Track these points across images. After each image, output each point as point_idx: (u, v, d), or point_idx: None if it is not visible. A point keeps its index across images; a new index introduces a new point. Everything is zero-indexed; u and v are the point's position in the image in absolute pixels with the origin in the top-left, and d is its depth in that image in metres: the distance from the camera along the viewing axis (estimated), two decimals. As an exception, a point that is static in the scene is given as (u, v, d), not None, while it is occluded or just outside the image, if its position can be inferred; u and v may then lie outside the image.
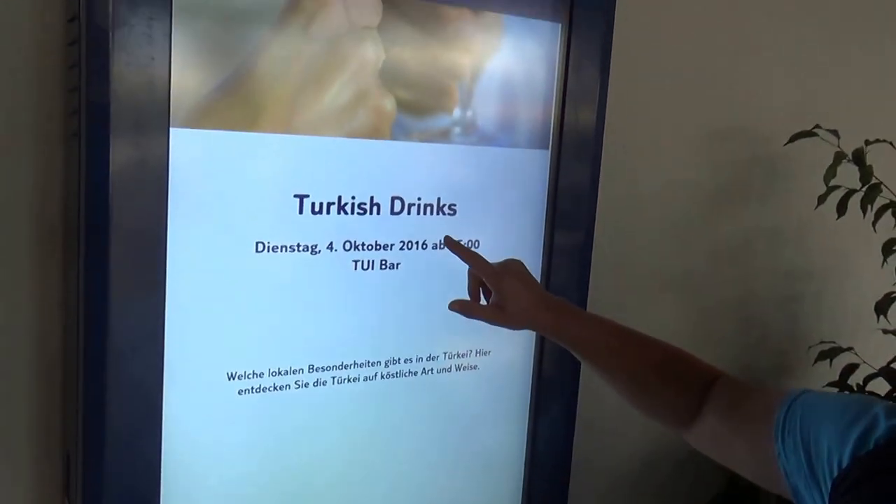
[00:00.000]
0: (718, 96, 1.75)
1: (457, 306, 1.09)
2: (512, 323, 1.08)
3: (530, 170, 1.32)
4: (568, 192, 1.34)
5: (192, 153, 1.02)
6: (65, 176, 1.11)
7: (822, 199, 1.67)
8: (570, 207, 1.35)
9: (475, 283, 1.12)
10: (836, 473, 0.79)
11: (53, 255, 1.13)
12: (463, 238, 1.23)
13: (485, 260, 1.10)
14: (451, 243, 1.10)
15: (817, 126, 1.66)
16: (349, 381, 1.20)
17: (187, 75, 0.99)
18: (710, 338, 1.85)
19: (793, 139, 1.67)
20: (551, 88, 1.29)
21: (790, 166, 1.85)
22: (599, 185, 1.39)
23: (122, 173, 0.96)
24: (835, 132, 1.65)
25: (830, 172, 1.66)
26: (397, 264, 1.21)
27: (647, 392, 1.06)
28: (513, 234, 1.32)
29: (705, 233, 1.82)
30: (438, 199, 1.23)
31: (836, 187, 1.66)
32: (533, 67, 1.27)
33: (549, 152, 1.32)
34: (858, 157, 1.65)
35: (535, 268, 1.33)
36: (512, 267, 1.10)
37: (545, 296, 1.09)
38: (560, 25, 1.28)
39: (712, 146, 1.78)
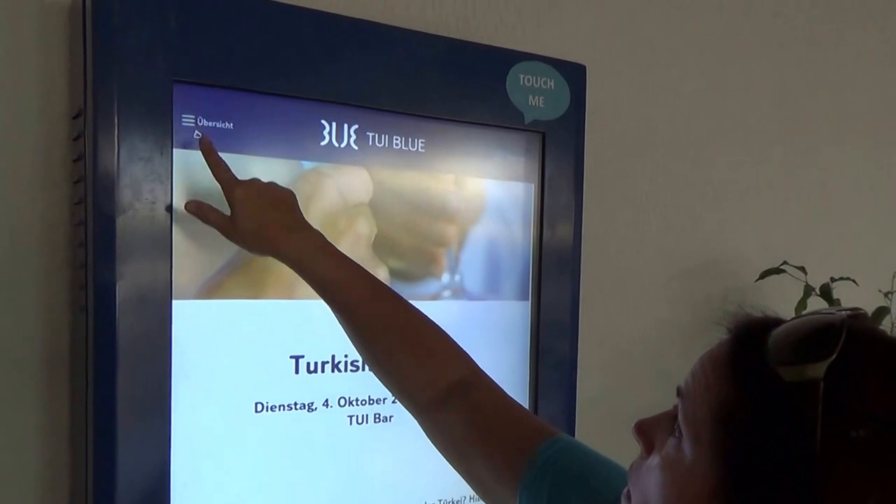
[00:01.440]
0: (689, 236, 1.85)
1: (192, 206, 1.03)
2: (247, 243, 1.01)
3: (514, 319, 1.39)
4: (550, 341, 1.41)
5: (195, 322, 1.09)
6: (71, 343, 1.17)
7: (792, 336, 1.75)
8: (554, 351, 1.42)
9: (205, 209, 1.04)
10: None
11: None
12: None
13: (226, 169, 1.02)
14: (205, 144, 1.03)
15: (785, 263, 1.76)
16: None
17: (189, 264, 1.08)
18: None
19: (763, 276, 1.76)
20: (528, 244, 1.38)
21: (762, 300, 1.92)
22: (579, 327, 1.46)
23: (128, 347, 1.03)
24: (802, 269, 1.75)
25: (801, 305, 1.75)
26: (390, 417, 1.26)
27: (391, 357, 0.97)
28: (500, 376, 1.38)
29: (683, 368, 1.88)
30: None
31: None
32: (511, 227, 1.37)
33: (529, 303, 1.40)
34: (826, 293, 1.75)
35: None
36: (255, 183, 1.02)
37: (291, 219, 1.01)
38: (532, 185, 1.38)
39: (685, 284, 1.86)
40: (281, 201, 1.02)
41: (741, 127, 1.91)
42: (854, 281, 1.75)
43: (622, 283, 1.74)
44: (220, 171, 1.02)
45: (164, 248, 1.05)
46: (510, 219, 1.37)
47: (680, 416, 0.63)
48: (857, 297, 1.75)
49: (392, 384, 0.96)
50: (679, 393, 0.65)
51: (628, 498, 0.68)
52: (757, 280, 1.76)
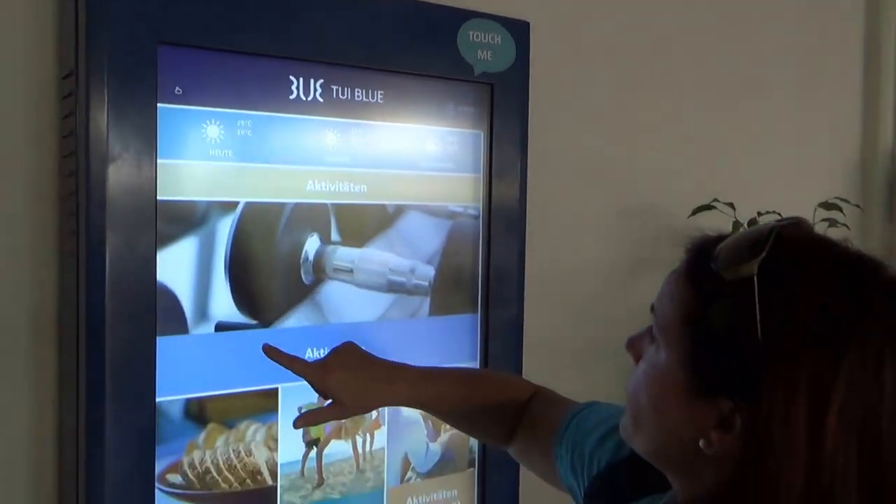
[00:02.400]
0: (625, 178, 1.98)
1: (300, 422, 1.05)
2: (360, 411, 1.08)
3: (465, 264, 1.51)
4: (498, 273, 1.53)
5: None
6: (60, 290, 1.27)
7: (721, 265, 1.91)
8: (501, 287, 1.54)
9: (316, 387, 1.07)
10: (594, 473, 0.96)
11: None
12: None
13: (305, 364, 1.04)
14: (269, 352, 1.04)
15: (715, 200, 1.90)
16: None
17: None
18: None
19: (694, 212, 1.90)
20: (478, 189, 1.51)
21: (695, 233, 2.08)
22: (525, 265, 1.59)
23: (117, 286, 1.13)
24: (731, 205, 1.90)
25: (728, 242, 1.90)
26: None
27: (478, 427, 1.17)
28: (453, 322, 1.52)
29: (623, 304, 2.02)
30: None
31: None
32: (462, 172, 1.49)
33: (480, 250, 1.52)
34: (752, 225, 1.90)
35: (472, 342, 1.53)
36: (333, 360, 1.05)
37: (375, 371, 1.07)
38: (482, 133, 1.50)
39: (624, 223, 2.00)
40: (354, 365, 1.05)
41: (674, 77, 2.04)
42: (779, 214, 1.89)
43: (565, 225, 1.87)
44: (299, 366, 1.03)
45: (150, 196, 1.15)
46: (462, 164, 1.48)
47: (654, 327, 0.75)
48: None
49: (483, 439, 1.23)
50: (652, 309, 0.76)
51: (628, 408, 0.80)
52: (689, 217, 1.90)
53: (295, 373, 1.03)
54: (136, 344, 1.15)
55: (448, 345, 1.50)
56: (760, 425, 0.64)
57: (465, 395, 1.13)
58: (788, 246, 0.67)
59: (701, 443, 0.69)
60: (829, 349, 0.64)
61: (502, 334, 1.55)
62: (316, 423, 1.14)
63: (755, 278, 0.65)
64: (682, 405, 0.71)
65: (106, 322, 1.12)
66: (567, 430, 1.02)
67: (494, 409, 1.13)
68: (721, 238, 0.73)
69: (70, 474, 1.21)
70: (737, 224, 1.89)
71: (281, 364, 1.03)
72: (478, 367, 1.53)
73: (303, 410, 1.15)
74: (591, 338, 1.95)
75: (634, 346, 0.79)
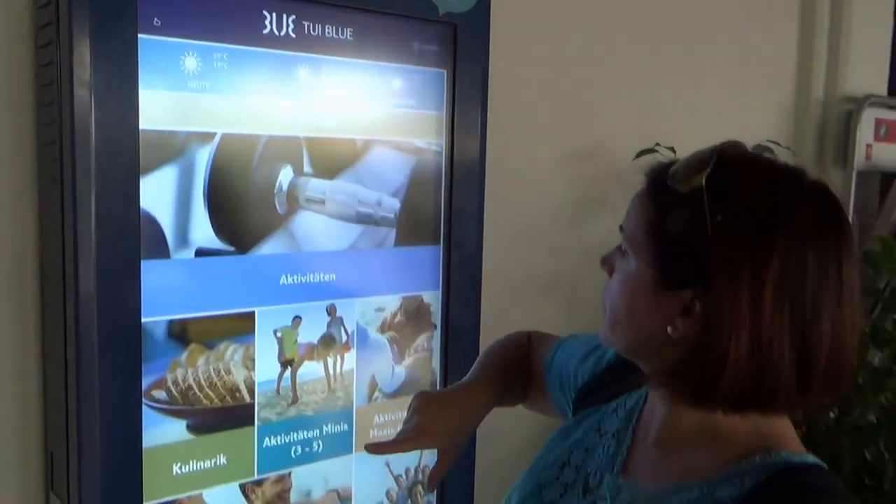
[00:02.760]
0: (577, 122, 2.07)
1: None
2: (459, 450, 1.18)
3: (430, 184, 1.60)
4: (459, 207, 1.61)
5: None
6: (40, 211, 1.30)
7: (664, 204, 2.02)
8: (462, 220, 1.62)
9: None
10: (579, 386, 1.16)
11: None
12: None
13: (407, 441, 1.12)
14: (372, 449, 1.11)
15: (657, 144, 2.01)
16: None
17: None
18: (583, 329, 2.16)
19: (638, 155, 2.01)
20: (441, 125, 1.57)
21: (639, 179, 2.19)
22: (485, 200, 1.68)
23: (103, 194, 1.18)
24: (672, 149, 2.00)
25: (670, 181, 2.01)
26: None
27: (507, 400, 1.29)
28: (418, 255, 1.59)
29: (573, 240, 2.13)
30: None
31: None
32: (426, 109, 1.56)
33: (443, 192, 1.60)
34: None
35: (434, 272, 1.62)
36: (424, 420, 1.14)
37: (454, 410, 1.18)
38: (445, 72, 1.57)
39: (574, 165, 2.09)
40: (440, 410, 1.16)
41: (624, 27, 2.14)
42: (716, 157, 2.01)
43: (521, 165, 1.95)
44: (404, 446, 1.12)
45: (134, 125, 1.19)
46: (426, 102, 1.55)
47: (623, 242, 0.90)
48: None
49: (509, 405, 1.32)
50: (621, 228, 0.92)
51: (605, 313, 0.94)
52: (634, 159, 2.00)
53: (402, 451, 1.14)
54: (122, 266, 1.20)
55: (412, 274, 1.58)
56: (714, 304, 0.80)
57: (506, 383, 1.28)
58: (729, 161, 0.83)
59: (669, 329, 0.84)
60: (763, 238, 0.80)
61: (462, 265, 1.64)
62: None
63: (704, 188, 0.80)
64: (652, 301, 0.86)
65: (93, 245, 1.17)
66: (553, 364, 1.22)
67: (518, 382, 1.30)
68: (672, 163, 0.87)
69: (57, 397, 1.26)
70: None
71: (389, 453, 1.18)
72: (438, 295, 1.62)
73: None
74: (543, 270, 2.06)
75: (607, 263, 0.94)
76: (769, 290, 0.79)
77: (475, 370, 1.29)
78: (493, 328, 1.78)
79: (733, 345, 0.80)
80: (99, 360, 1.19)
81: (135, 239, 1.21)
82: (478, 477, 1.75)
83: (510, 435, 2.02)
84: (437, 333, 1.63)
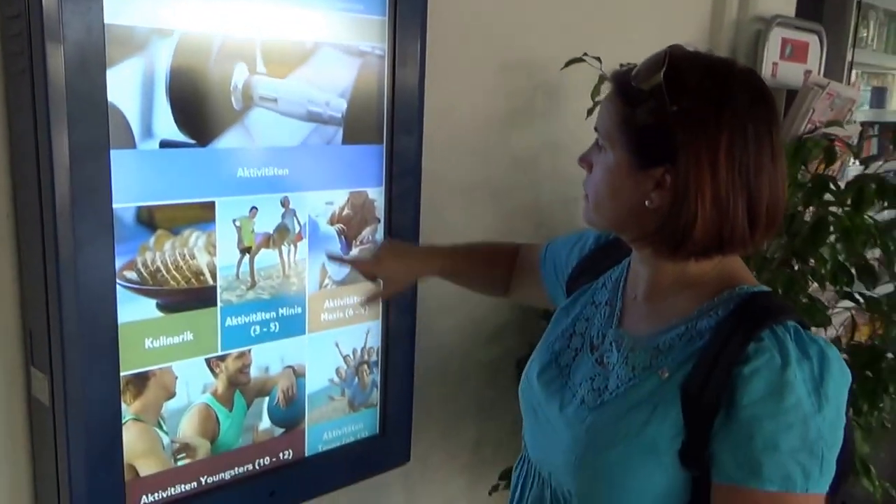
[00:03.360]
0: (510, 35, 2.16)
1: (366, 301, 1.61)
2: (402, 288, 1.59)
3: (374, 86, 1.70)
4: (400, 108, 1.71)
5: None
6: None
7: (590, 112, 2.14)
8: (403, 122, 1.72)
9: (368, 277, 1.58)
10: (569, 273, 1.44)
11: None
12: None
13: (363, 261, 1.57)
14: (332, 257, 1.57)
15: (585, 54, 2.13)
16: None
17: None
18: (511, 234, 2.29)
19: (567, 65, 2.12)
20: (384, 31, 1.66)
21: (565, 88, 2.32)
22: (423, 105, 1.78)
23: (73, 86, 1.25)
24: (598, 58, 2.12)
25: (595, 90, 2.14)
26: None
27: (483, 283, 1.69)
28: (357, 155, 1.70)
29: (503, 149, 2.26)
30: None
31: (600, 101, 2.14)
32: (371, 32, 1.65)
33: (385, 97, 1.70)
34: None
35: (378, 170, 1.73)
36: (383, 251, 1.55)
37: (411, 254, 1.57)
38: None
39: (502, 76, 2.20)
40: (399, 253, 1.57)
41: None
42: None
43: (457, 73, 2.04)
44: (358, 266, 1.59)
45: (99, 18, 1.26)
46: (371, 6, 1.63)
47: (600, 140, 1.14)
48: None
49: (488, 294, 1.73)
50: (596, 129, 1.16)
51: (586, 199, 1.19)
52: (562, 69, 2.12)
53: (355, 268, 1.60)
54: (93, 154, 1.28)
55: (358, 170, 1.69)
56: (682, 175, 1.04)
57: (478, 264, 1.64)
58: (678, 59, 1.06)
59: (647, 202, 1.08)
60: (713, 117, 1.04)
61: (403, 164, 1.75)
62: (376, 301, 1.63)
63: (662, 83, 1.03)
64: (630, 182, 1.10)
65: (66, 133, 1.24)
66: (545, 261, 1.52)
67: (499, 271, 1.63)
68: (632, 68, 1.11)
69: (35, 278, 1.34)
70: (602, 76, 2.13)
71: (346, 265, 1.63)
72: (382, 191, 1.73)
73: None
74: (477, 175, 2.19)
75: (585, 160, 1.19)
76: (722, 156, 1.03)
77: (452, 245, 1.61)
78: (432, 225, 1.93)
79: (700, 203, 1.04)
80: (75, 243, 1.28)
81: (104, 130, 1.29)
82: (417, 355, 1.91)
83: (449, 322, 2.18)
84: (381, 227, 1.75)
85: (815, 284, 2.06)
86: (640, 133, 1.08)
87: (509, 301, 1.69)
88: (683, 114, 1.04)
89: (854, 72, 3.86)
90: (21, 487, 1.50)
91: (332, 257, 1.58)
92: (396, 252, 1.56)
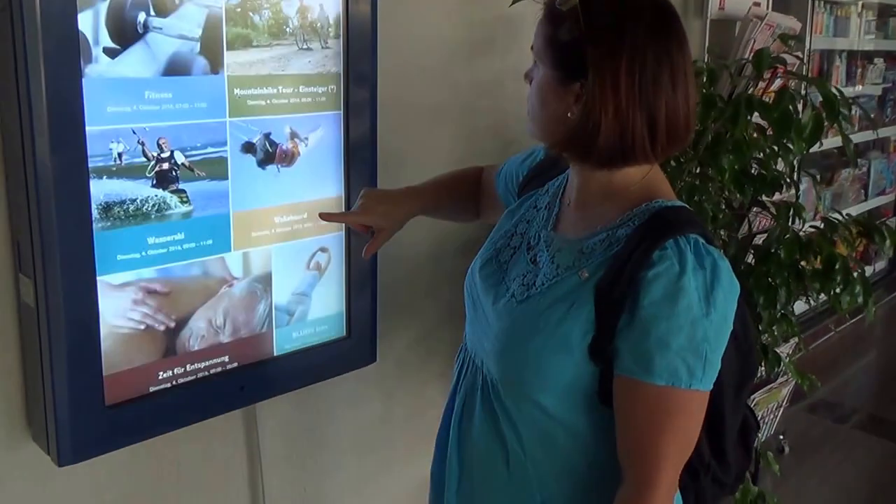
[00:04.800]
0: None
1: (368, 252, 1.64)
2: (394, 230, 1.62)
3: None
4: (355, 35, 1.84)
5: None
6: None
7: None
8: (358, 48, 1.85)
9: (359, 226, 1.62)
10: (519, 181, 1.57)
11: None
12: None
13: (351, 214, 1.63)
14: (324, 216, 1.65)
15: (532, -10, 2.23)
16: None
17: None
18: (477, 154, 2.38)
19: (514, 2, 2.20)
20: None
21: (520, 21, 2.41)
22: (378, 32, 1.89)
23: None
24: (541, -4, 2.23)
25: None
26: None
27: (458, 213, 1.82)
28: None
29: (468, 75, 2.38)
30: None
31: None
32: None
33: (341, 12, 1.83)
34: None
35: (337, 94, 1.87)
36: (368, 201, 1.60)
37: (395, 198, 1.64)
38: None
39: (464, 8, 2.32)
40: (382, 200, 1.63)
41: None
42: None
43: (413, 9, 2.17)
44: (349, 218, 1.70)
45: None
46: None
47: (534, 57, 1.27)
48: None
49: (466, 221, 1.88)
50: (532, 48, 1.27)
51: (528, 114, 1.32)
52: (510, 6, 2.21)
53: (347, 223, 1.77)
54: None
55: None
56: (591, 89, 1.16)
57: (448, 196, 1.74)
58: None
59: (569, 114, 1.19)
60: (617, 38, 1.16)
61: (358, 90, 1.89)
62: (376, 249, 1.65)
63: (577, 4, 1.16)
64: (556, 95, 1.22)
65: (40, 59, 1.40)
66: (501, 173, 1.65)
67: (467, 198, 1.75)
68: None
69: (19, 194, 1.50)
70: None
71: (338, 221, 1.82)
72: (340, 117, 1.89)
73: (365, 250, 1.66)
74: (436, 102, 2.32)
75: (527, 76, 1.30)
76: (622, 75, 1.15)
77: (423, 183, 1.72)
78: (391, 146, 2.07)
79: (603, 115, 1.16)
80: (51, 153, 1.43)
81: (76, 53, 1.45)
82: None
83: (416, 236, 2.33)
84: (340, 143, 1.91)
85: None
86: (560, 50, 1.20)
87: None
88: (592, 35, 1.15)
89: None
90: (12, 389, 1.63)
91: (324, 216, 1.66)
92: (379, 198, 1.63)
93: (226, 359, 1.81)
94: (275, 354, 1.91)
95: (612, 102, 1.15)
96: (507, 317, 1.31)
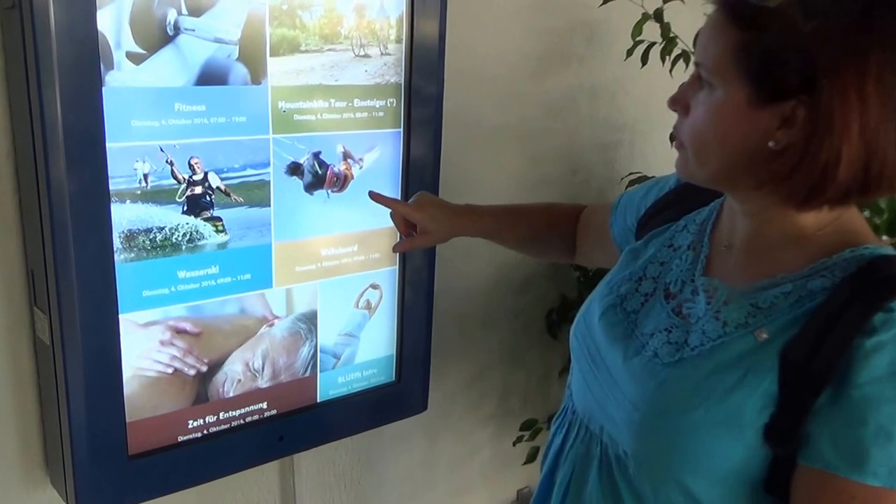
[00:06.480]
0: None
1: (400, 247, 1.47)
2: (440, 239, 1.45)
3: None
4: (420, 46, 1.63)
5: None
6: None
7: (629, 53, 2.04)
8: (423, 61, 1.64)
9: (402, 223, 1.45)
10: (641, 214, 1.27)
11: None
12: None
13: (402, 202, 1.46)
14: (374, 196, 1.43)
15: (625, -12, 2.00)
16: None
17: None
18: (543, 180, 2.22)
19: (605, 2, 2.00)
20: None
21: (604, 29, 2.21)
22: (445, 44, 1.69)
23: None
24: (641, -6, 2.01)
25: (637, 30, 2.02)
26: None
27: (543, 247, 1.55)
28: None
29: (536, 91, 2.17)
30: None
31: (641, 42, 2.04)
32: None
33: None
34: (658, 15, 2.02)
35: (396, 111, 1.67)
36: (423, 199, 1.44)
37: (454, 208, 1.45)
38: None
39: (539, 15, 2.09)
40: (438, 203, 1.45)
41: None
42: (682, 1, 2.01)
43: (483, 15, 1.96)
44: (400, 205, 1.45)
45: None
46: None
47: (705, 75, 0.94)
48: (686, 19, 2.02)
49: (549, 258, 1.74)
50: (697, 63, 0.96)
51: (682, 148, 1.01)
52: (599, 6, 2.00)
53: (397, 209, 1.45)
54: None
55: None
56: (823, 107, 0.86)
57: (532, 226, 1.51)
58: None
59: (770, 143, 0.90)
60: (861, 36, 0.85)
61: (424, 106, 1.68)
62: (413, 248, 1.51)
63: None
64: (747, 121, 0.92)
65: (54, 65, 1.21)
66: (617, 209, 1.35)
67: (562, 234, 1.49)
68: None
69: (33, 223, 1.33)
70: (645, 15, 2.02)
71: (384, 204, 1.44)
72: (401, 133, 1.67)
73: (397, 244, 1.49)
74: (501, 120, 2.11)
75: (679, 101, 1.00)
76: (872, 82, 0.85)
77: (494, 205, 1.52)
78: (454, 167, 1.87)
79: (846, 138, 0.86)
80: (67, 176, 1.25)
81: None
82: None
83: (472, 267, 2.13)
84: (399, 165, 1.70)
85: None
86: (763, 61, 0.89)
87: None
88: (824, 34, 0.85)
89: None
90: (29, 429, 1.52)
91: (374, 196, 1.45)
92: (435, 202, 1.46)
93: (264, 406, 1.63)
94: (318, 401, 1.72)
95: (858, 120, 0.86)
96: (649, 380, 1.05)
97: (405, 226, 1.44)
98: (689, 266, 1.10)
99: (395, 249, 1.47)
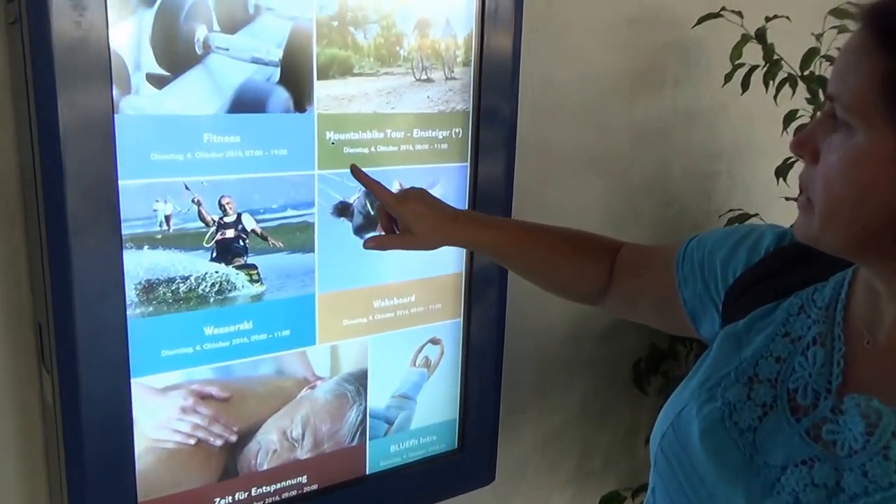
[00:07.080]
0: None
1: (371, 243, 1.16)
2: (426, 244, 1.15)
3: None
4: (491, 71, 1.43)
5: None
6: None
7: (728, 77, 1.81)
8: (494, 87, 1.44)
9: (385, 217, 1.18)
10: (729, 283, 0.95)
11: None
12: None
13: (385, 188, 1.15)
14: (356, 172, 1.16)
15: (723, 8, 1.78)
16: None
17: None
18: (632, 214, 2.00)
19: (700, 21, 1.79)
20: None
21: (700, 50, 1.98)
22: (521, 68, 1.49)
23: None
24: (739, 13, 1.78)
25: (736, 52, 1.80)
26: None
27: (561, 271, 1.19)
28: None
29: (624, 116, 1.95)
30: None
31: (742, 65, 1.80)
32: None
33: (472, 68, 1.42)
34: (761, 36, 1.79)
35: (463, 144, 1.45)
36: (411, 193, 1.16)
37: (449, 210, 1.15)
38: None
39: (627, 33, 1.88)
40: (429, 202, 1.14)
41: None
42: (788, 17, 1.77)
43: (563, 33, 1.76)
44: (380, 190, 1.15)
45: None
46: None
47: (841, 113, 0.72)
48: (790, 40, 1.80)
49: (562, 292, 1.23)
50: (831, 98, 0.74)
51: (807, 206, 0.77)
52: (694, 27, 1.78)
53: (375, 194, 1.16)
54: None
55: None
56: None
57: (552, 248, 1.17)
58: None
59: None
60: None
61: (494, 136, 1.47)
62: (386, 247, 1.17)
63: None
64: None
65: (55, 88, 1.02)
66: (686, 256, 1.03)
67: (586, 259, 1.17)
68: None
69: (38, 277, 1.17)
70: (746, 36, 1.78)
71: (363, 183, 1.16)
72: (468, 167, 1.45)
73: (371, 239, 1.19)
74: (586, 147, 1.88)
75: (807, 146, 0.77)
76: None
77: (511, 219, 1.28)
78: (528, 202, 1.64)
79: None
80: (69, 220, 1.07)
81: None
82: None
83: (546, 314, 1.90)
84: (465, 203, 1.48)
85: None
86: None
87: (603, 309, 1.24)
88: None
89: None
90: (39, 493, 1.36)
91: (354, 170, 1.17)
92: (427, 200, 1.16)
93: (304, 479, 1.43)
94: (367, 473, 1.52)
95: None
96: None
97: (386, 219, 1.18)
98: (821, 370, 0.82)
99: (365, 246, 1.17)
